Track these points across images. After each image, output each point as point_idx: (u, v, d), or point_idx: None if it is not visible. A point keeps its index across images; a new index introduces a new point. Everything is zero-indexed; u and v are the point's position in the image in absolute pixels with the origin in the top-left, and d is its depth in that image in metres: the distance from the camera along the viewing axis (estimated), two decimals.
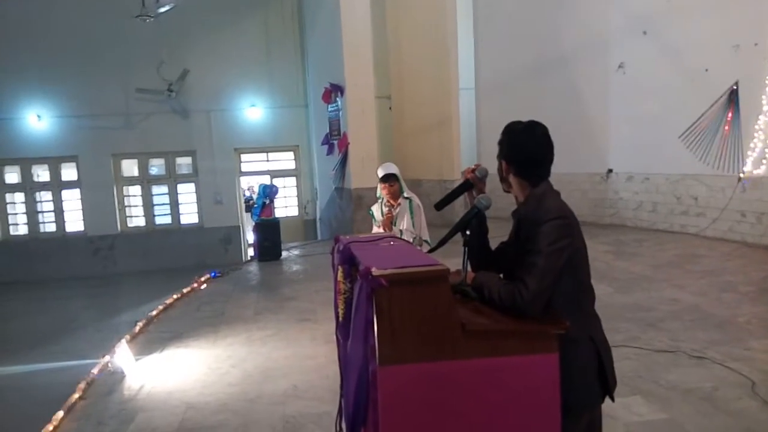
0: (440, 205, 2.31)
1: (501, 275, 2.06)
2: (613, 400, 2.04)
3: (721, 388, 3.88)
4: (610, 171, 10.62)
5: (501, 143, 2.08)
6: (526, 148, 2.02)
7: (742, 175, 8.37)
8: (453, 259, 2.02)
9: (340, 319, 2.06)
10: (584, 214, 10.51)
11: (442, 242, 2.09)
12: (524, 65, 11.45)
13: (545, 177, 2.03)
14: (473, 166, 2.23)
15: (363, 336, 1.71)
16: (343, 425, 2.13)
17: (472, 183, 2.20)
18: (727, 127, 8.58)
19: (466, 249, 2.06)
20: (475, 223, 2.07)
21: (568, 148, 11.22)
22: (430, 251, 2.04)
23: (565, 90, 10.90)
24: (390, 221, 4.61)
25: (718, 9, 8.49)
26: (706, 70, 8.72)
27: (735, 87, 8.41)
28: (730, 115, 8.52)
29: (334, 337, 5.04)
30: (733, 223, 8.55)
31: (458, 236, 2.07)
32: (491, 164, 2.23)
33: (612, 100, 10.44)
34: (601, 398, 2.00)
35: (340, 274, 2.03)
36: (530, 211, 1.95)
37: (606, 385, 1.97)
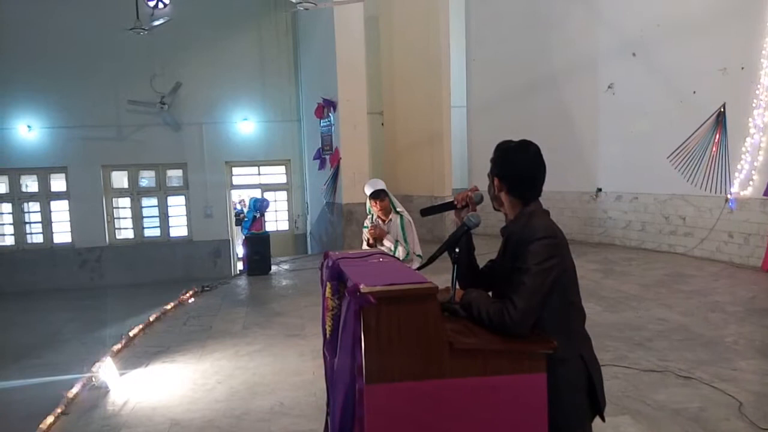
0: (426, 212, 2.34)
1: (490, 293, 2.06)
2: (603, 420, 2.04)
3: (709, 409, 3.88)
4: (599, 190, 10.69)
5: (494, 160, 2.08)
6: (520, 165, 2.03)
7: (729, 196, 8.46)
8: (441, 276, 2.02)
9: (328, 335, 2.05)
10: (573, 232, 10.57)
11: (431, 259, 2.09)
12: (515, 84, 11.57)
13: (537, 197, 2.04)
14: (470, 191, 2.21)
15: (350, 353, 1.70)
16: None
17: (455, 206, 2.21)
18: (714, 149, 8.68)
19: (456, 266, 2.06)
20: (464, 240, 2.07)
21: (557, 167, 11.28)
22: (419, 268, 2.04)
23: (555, 109, 11.01)
24: (375, 234, 4.59)
25: (706, 32, 8.64)
26: (694, 92, 8.85)
27: (722, 109, 8.53)
28: (717, 136, 8.63)
29: (322, 353, 5.02)
30: (720, 244, 8.62)
31: (445, 254, 2.07)
32: (482, 182, 2.23)
33: (601, 120, 10.55)
34: (590, 418, 1.99)
35: (328, 290, 2.02)
36: (518, 229, 1.95)
37: (596, 404, 1.97)
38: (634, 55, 9.77)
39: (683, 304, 6.51)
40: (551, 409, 1.74)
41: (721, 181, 8.60)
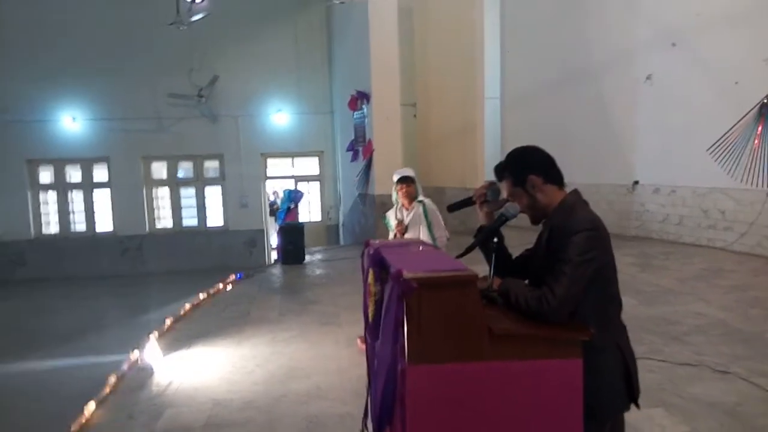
0: (450, 209, 2.44)
1: (526, 282, 2.11)
2: (638, 407, 2.08)
3: (745, 404, 3.85)
4: (636, 183, 10.53)
5: (515, 169, 2.12)
6: (539, 157, 2.12)
7: None
8: (476, 266, 2.08)
9: (370, 320, 2.14)
10: (610, 225, 10.27)
11: (469, 249, 2.15)
12: (550, 76, 11.46)
13: (563, 180, 2.11)
14: (484, 187, 2.26)
15: (393, 336, 1.78)
16: (369, 424, 2.20)
17: (474, 202, 2.26)
18: (756, 141, 8.46)
19: (494, 256, 2.12)
20: (500, 230, 2.14)
21: (593, 160, 11.23)
22: (458, 257, 2.11)
23: (591, 101, 10.87)
24: (402, 229, 4.67)
25: (748, 22, 8.41)
26: (736, 83, 8.63)
27: (766, 100, 8.31)
28: (760, 128, 8.41)
29: (357, 340, 5.14)
30: (761, 238, 8.42)
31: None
32: None
33: (639, 111, 10.37)
34: (626, 405, 2.04)
35: (370, 276, 2.11)
36: (561, 220, 2.00)
37: (632, 391, 2.02)
38: (673, 45, 9.57)
39: (721, 299, 6.41)
40: (588, 395, 1.79)
41: (763, 175, 8.39)
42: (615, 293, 2.05)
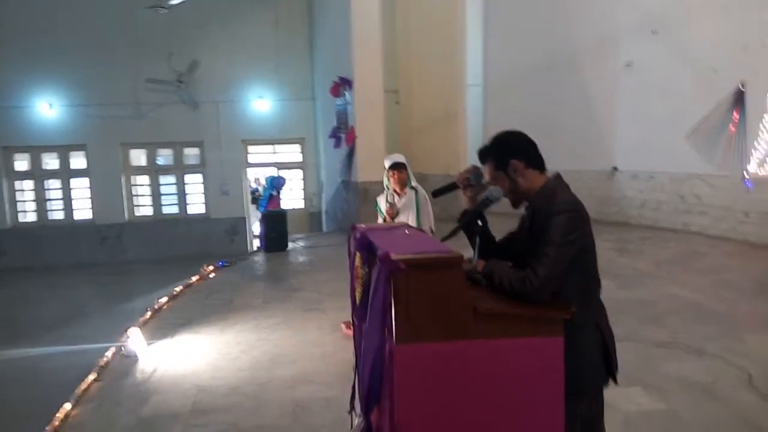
0: (435, 194, 2.48)
1: (510, 264, 2.16)
2: (616, 382, 2.16)
3: (719, 381, 3.98)
4: (616, 169, 10.69)
5: (498, 153, 2.15)
6: (521, 141, 2.17)
7: (746, 175, 8.43)
8: (460, 250, 2.12)
9: (358, 302, 2.17)
10: (589, 211, 10.23)
11: (454, 232, 2.20)
12: (532, 63, 11.51)
13: (544, 165, 2.15)
14: (467, 171, 2.28)
15: (381, 317, 1.82)
16: (356, 404, 2.25)
17: (457, 186, 2.30)
18: (732, 128, 8.64)
19: (478, 238, 2.17)
20: (483, 213, 2.18)
21: (574, 146, 11.32)
22: (443, 239, 2.15)
23: (573, 88, 10.96)
24: (393, 213, 4.71)
25: (728, 10, 8.54)
26: (715, 70, 8.77)
27: (742, 87, 8.47)
28: (736, 115, 8.58)
29: (342, 325, 5.19)
30: (736, 223, 8.62)
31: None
32: None
33: (619, 98, 10.49)
34: (605, 380, 2.11)
35: (357, 259, 2.14)
36: (544, 203, 2.05)
37: (610, 367, 2.09)
38: (654, 32, 9.67)
39: (696, 281, 6.58)
40: (569, 371, 1.85)
41: (739, 160, 8.56)
42: (595, 273, 2.12)
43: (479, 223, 2.18)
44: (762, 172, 8.25)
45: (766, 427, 3.37)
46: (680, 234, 9.29)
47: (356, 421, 2.21)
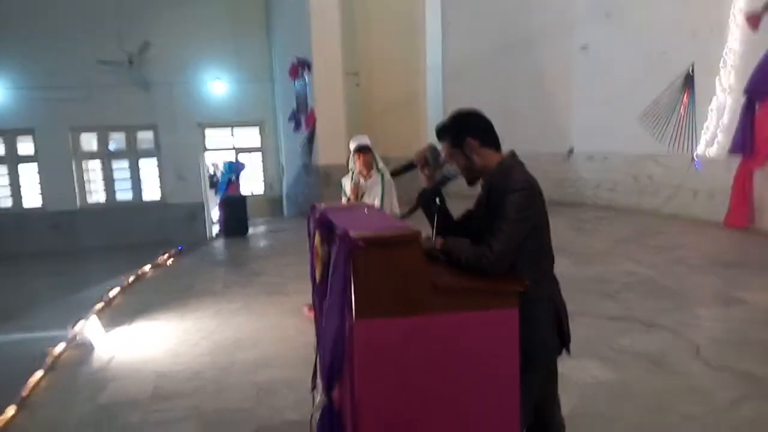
0: (394, 174, 2.55)
1: (468, 241, 2.19)
2: (569, 353, 2.22)
3: (669, 353, 4.15)
4: (571, 151, 10.91)
5: (454, 130, 2.18)
6: (479, 119, 2.20)
7: (695, 155, 8.74)
8: (419, 227, 2.14)
9: (318, 280, 2.16)
10: (546, 192, 10.68)
11: (413, 209, 2.21)
12: (490, 45, 11.60)
13: (499, 144, 2.17)
14: (424, 150, 2.29)
15: (341, 294, 1.82)
16: (318, 383, 2.25)
17: (416, 166, 2.32)
18: (682, 109, 8.92)
19: (436, 216, 2.18)
20: (441, 192, 2.20)
21: (531, 128, 11.47)
22: (403, 217, 2.16)
23: (529, 70, 11.11)
24: (357, 193, 4.71)
25: None
26: (664, 53, 9.02)
27: (691, 70, 8.74)
28: (685, 97, 8.86)
29: (305, 308, 5.17)
30: (687, 202, 8.94)
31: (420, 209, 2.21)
32: None
33: (575, 80, 10.70)
34: (558, 351, 2.17)
35: (317, 238, 2.13)
36: (500, 181, 2.08)
37: (563, 338, 2.15)
38: (607, 15, 9.86)
39: (650, 258, 6.81)
40: (524, 343, 1.90)
41: (688, 141, 8.87)
42: (548, 249, 2.17)
43: (437, 201, 2.20)
44: (710, 153, 8.56)
45: (710, 393, 3.53)
46: (635, 213, 9.59)
47: (317, 399, 2.22)
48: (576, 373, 3.71)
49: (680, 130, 8.98)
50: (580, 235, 8.24)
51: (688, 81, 8.79)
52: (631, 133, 9.57)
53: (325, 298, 2.03)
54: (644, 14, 9.27)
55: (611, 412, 3.39)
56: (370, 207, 2.47)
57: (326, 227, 2.06)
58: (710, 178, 8.55)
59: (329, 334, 1.94)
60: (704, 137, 8.62)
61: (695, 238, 7.78)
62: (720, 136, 8.39)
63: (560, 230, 8.29)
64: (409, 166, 2.40)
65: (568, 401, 3.46)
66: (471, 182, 2.22)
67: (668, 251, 7.08)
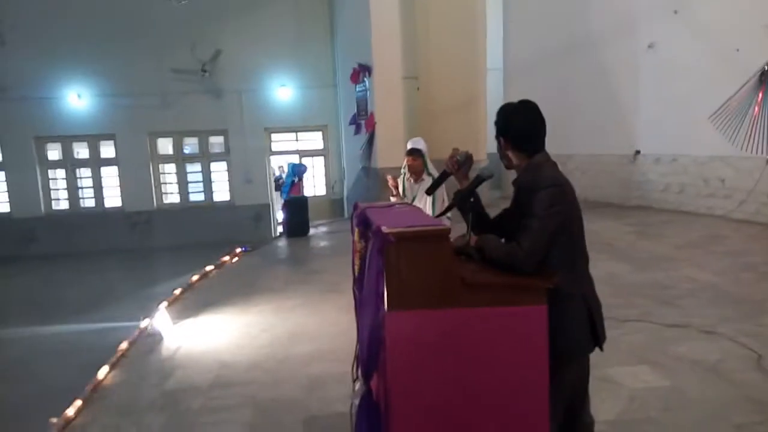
0: (431, 191, 2.68)
1: (503, 239, 2.26)
2: (602, 350, 2.24)
3: (727, 361, 4.01)
4: (638, 152, 10.57)
5: (497, 122, 2.27)
6: (518, 123, 2.23)
7: None
8: (455, 227, 2.23)
9: (356, 274, 2.30)
10: (610, 195, 10.53)
11: (448, 208, 2.31)
12: (553, 45, 11.42)
13: (540, 149, 2.21)
14: (451, 156, 2.39)
15: (375, 286, 1.95)
16: (359, 371, 2.38)
17: (450, 172, 2.40)
18: (757, 109, 8.48)
19: (471, 215, 2.27)
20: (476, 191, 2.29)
21: (595, 130, 11.23)
22: (438, 216, 2.26)
23: (594, 70, 10.85)
24: (396, 187, 4.76)
25: None
26: (737, 50, 8.61)
27: (766, 67, 8.30)
28: (760, 96, 8.42)
29: (353, 291, 5.31)
30: (760, 206, 8.50)
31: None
32: None
33: (641, 80, 10.36)
34: (590, 348, 2.20)
35: (356, 234, 2.27)
36: (528, 180, 2.15)
37: (596, 337, 2.18)
38: (675, 12, 9.52)
39: (716, 264, 6.53)
40: (556, 339, 1.95)
41: (763, 142, 8.42)
42: (581, 246, 2.20)
43: (471, 200, 2.28)
44: None
45: None
46: (704, 217, 9.19)
47: (357, 387, 2.35)
48: (627, 379, 3.68)
49: (754, 130, 8.54)
50: (643, 239, 7.99)
51: (764, 79, 8.35)
52: (702, 134, 9.17)
53: (362, 290, 2.16)
54: (714, 10, 8.88)
55: (661, 418, 3.33)
56: (411, 206, 2.58)
57: (364, 224, 2.19)
58: None
59: (366, 324, 2.06)
60: None
61: (766, 244, 7.38)
62: None
63: (622, 234, 8.13)
64: (442, 178, 2.50)
65: (615, 405, 3.46)
66: (507, 168, 2.31)
67: (735, 257, 6.77)
